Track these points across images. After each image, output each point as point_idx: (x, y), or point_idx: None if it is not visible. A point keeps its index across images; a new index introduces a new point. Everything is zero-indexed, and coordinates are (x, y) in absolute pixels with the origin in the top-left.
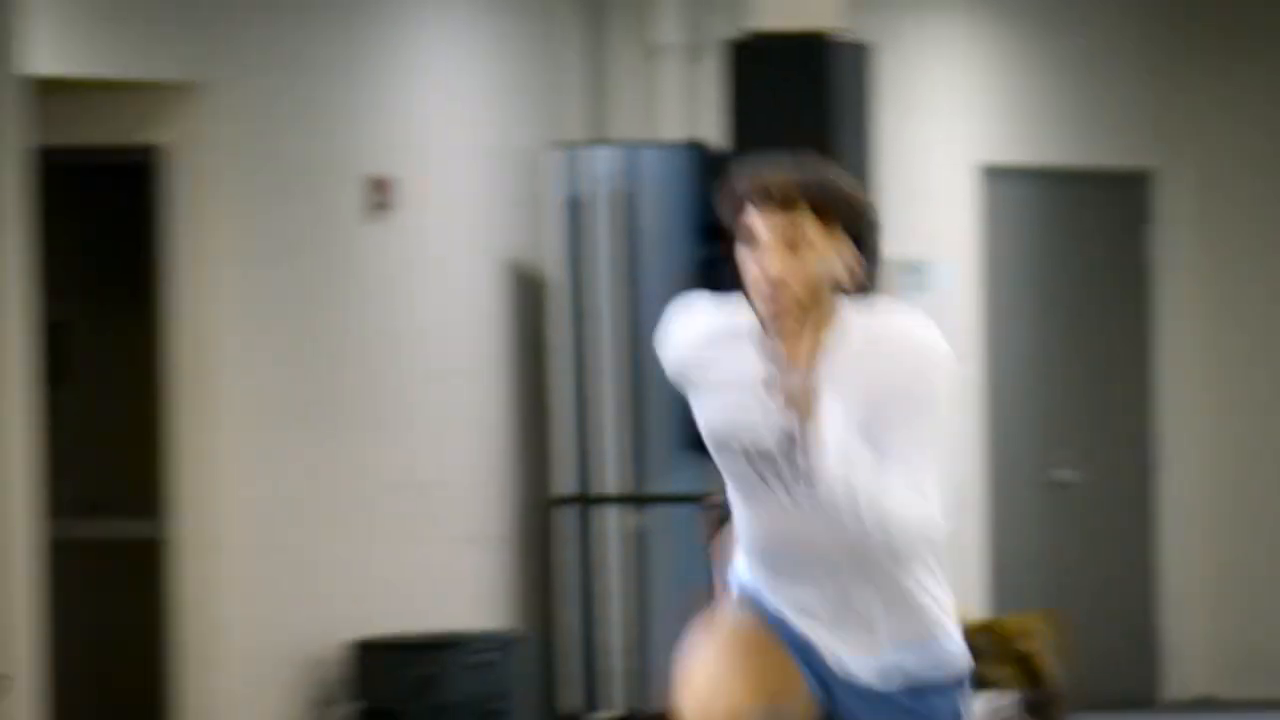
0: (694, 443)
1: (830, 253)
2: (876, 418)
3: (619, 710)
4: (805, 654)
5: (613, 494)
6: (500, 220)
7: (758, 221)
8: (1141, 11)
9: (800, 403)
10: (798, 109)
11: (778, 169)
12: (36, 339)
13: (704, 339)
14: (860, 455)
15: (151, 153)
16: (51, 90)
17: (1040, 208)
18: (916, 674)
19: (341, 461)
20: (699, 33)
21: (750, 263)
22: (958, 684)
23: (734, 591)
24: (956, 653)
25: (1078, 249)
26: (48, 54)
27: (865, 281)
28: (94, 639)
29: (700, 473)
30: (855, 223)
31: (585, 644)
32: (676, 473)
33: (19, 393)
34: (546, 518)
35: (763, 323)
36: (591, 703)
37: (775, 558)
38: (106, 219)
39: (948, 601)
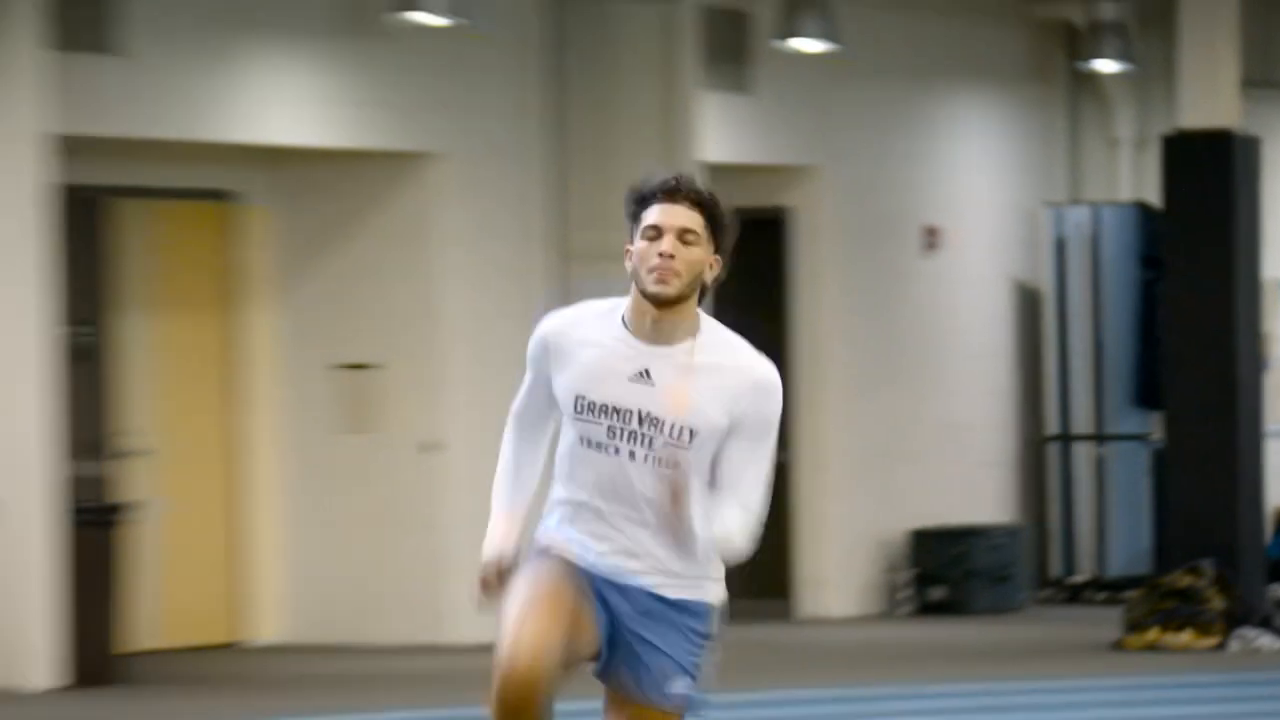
0: (1140, 398)
1: (706, 254)
2: (735, 427)
3: (1087, 575)
4: (595, 580)
5: (1083, 433)
6: (1010, 254)
7: (663, 213)
8: None
9: (673, 395)
10: (1208, 185)
11: (684, 179)
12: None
13: (581, 318)
14: (707, 470)
15: (783, 212)
16: (718, 171)
17: None
18: (679, 596)
19: (906, 412)
20: (1144, 128)
21: (646, 247)
22: (708, 610)
23: (543, 542)
24: (712, 587)
25: None
26: (711, 143)
27: (711, 287)
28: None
29: (1144, 419)
30: (724, 238)
31: (1065, 533)
32: (1125, 419)
33: None
34: (1039, 450)
35: (632, 313)
36: (1070, 570)
37: (597, 505)
38: (754, 258)
39: (717, 548)
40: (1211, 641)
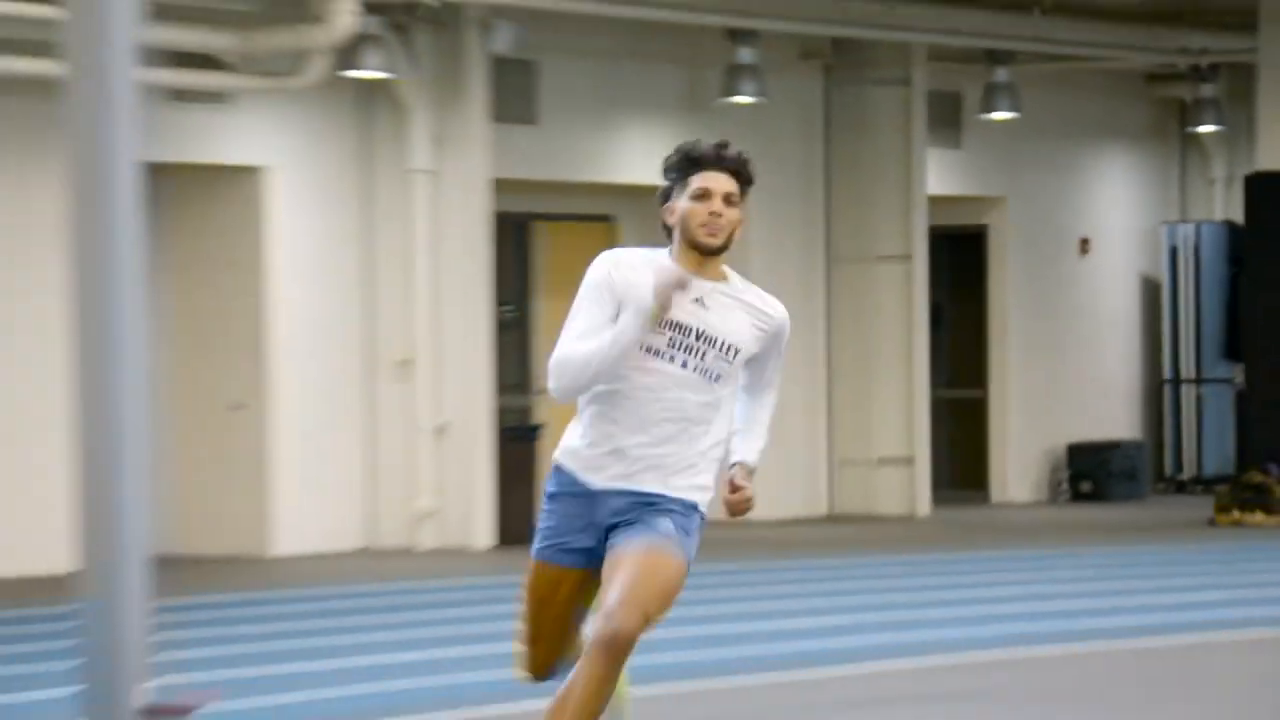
0: (1226, 354)
1: (740, 215)
2: (761, 347)
3: (1189, 474)
4: (596, 506)
5: (1188, 378)
6: (1138, 257)
7: (712, 179)
8: None
9: (729, 321)
10: (1278, 210)
11: (726, 149)
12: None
13: (637, 258)
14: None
15: (983, 229)
16: (937, 200)
17: None
18: (676, 495)
19: (1066, 365)
20: (1232, 171)
21: (696, 206)
22: (692, 508)
23: (545, 497)
24: (700, 495)
25: None
26: (933, 181)
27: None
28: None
29: (1229, 369)
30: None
31: (1175, 446)
32: (1216, 368)
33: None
34: (1158, 390)
35: (679, 258)
36: (1178, 470)
37: (629, 408)
38: (963, 259)
39: (711, 464)
40: (1276, 520)
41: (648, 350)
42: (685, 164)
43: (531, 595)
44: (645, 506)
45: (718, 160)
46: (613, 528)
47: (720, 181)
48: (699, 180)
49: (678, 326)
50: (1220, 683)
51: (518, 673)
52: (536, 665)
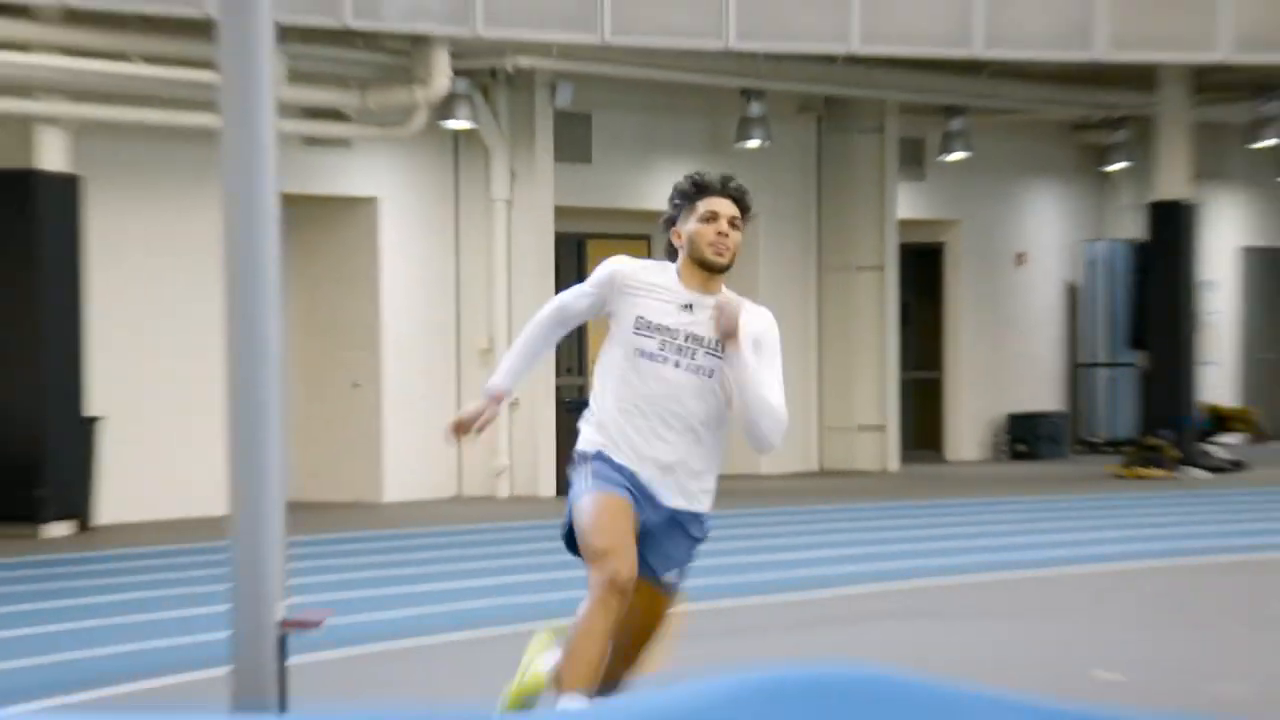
0: (1131, 344)
1: (741, 238)
2: (757, 348)
3: (1102, 438)
4: (636, 491)
5: (1101, 362)
6: (1062, 267)
7: (719, 204)
8: None
9: (727, 317)
10: (1171, 230)
11: (730, 179)
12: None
13: (646, 267)
14: (755, 360)
15: (941, 245)
16: (906, 222)
17: None
18: (689, 507)
19: (1005, 352)
20: (1139, 199)
21: (704, 228)
22: (703, 516)
23: (589, 459)
24: (708, 500)
25: None
26: (901, 207)
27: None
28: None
29: (1134, 355)
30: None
31: (1090, 415)
32: (1124, 355)
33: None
34: (1077, 371)
35: (684, 272)
36: (1093, 434)
37: (643, 417)
38: (925, 271)
39: (715, 468)
40: (1166, 474)
41: (640, 353)
42: (694, 190)
43: (601, 510)
44: (668, 532)
45: (723, 188)
46: (643, 533)
47: (725, 206)
48: (706, 204)
49: (666, 329)
50: (1120, 601)
51: (607, 597)
52: (628, 563)
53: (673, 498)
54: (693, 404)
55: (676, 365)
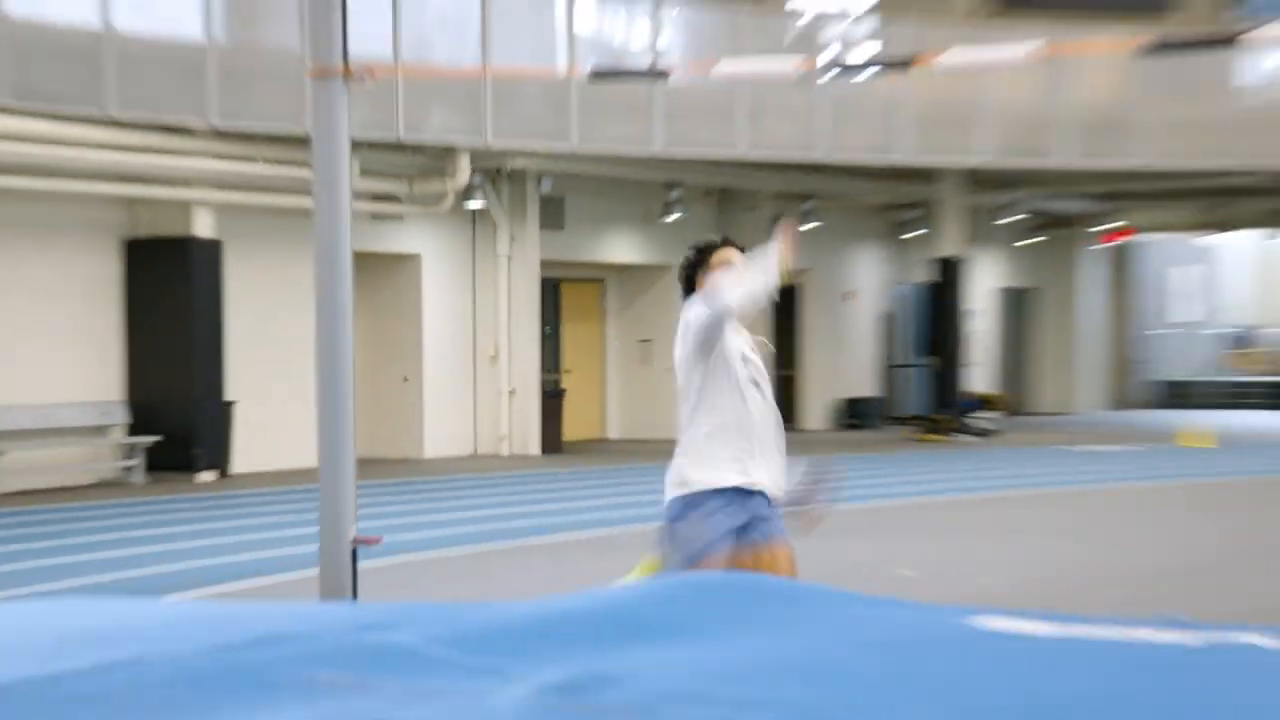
0: (924, 351)
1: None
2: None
3: (908, 414)
4: (743, 499)
5: (905, 363)
6: (879, 301)
7: (729, 254)
8: None
9: (760, 350)
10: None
11: (727, 238)
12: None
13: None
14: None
15: (796, 286)
16: None
17: None
18: (777, 494)
19: (841, 357)
20: (929, 255)
21: (723, 272)
22: (673, 500)
23: (695, 504)
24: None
25: None
26: None
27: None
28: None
29: (926, 359)
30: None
31: (901, 398)
32: (918, 357)
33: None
34: (890, 369)
35: None
36: (901, 411)
37: (751, 431)
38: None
39: (689, 456)
40: (945, 439)
41: (741, 380)
42: (706, 251)
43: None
44: (769, 510)
45: (725, 242)
46: (750, 523)
47: (733, 254)
48: (718, 257)
49: (745, 360)
50: (917, 523)
51: None
52: None
53: (768, 487)
54: (770, 421)
55: (757, 392)
